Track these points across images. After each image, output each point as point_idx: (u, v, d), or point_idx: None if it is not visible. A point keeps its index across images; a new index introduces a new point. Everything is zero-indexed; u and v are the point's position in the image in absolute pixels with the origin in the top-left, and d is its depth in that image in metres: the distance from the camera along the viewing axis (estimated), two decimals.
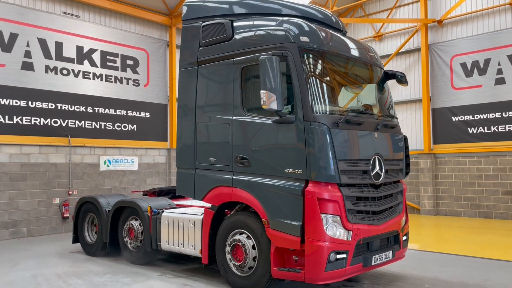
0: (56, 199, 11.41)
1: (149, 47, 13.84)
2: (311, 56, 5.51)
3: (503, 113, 13.52)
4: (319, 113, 5.30)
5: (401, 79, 6.65)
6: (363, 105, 6.21)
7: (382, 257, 5.72)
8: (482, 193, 13.77)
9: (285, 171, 5.39)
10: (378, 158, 5.77)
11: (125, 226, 7.69)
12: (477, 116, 14.05)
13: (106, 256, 8.24)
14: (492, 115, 13.74)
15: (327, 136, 5.18)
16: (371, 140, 5.78)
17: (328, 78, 5.76)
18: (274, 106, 5.13)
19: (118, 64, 13.04)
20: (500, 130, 13.55)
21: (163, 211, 7.16)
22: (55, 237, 10.82)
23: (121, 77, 13.08)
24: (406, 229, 6.43)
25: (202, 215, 6.41)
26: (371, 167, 5.65)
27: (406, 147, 6.56)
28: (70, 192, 11.61)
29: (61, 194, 11.51)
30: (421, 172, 14.88)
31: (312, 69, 5.53)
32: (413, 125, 15.58)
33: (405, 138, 6.59)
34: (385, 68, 16.23)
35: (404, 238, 6.33)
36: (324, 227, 5.12)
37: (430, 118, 14.96)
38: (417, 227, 12.38)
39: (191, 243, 6.52)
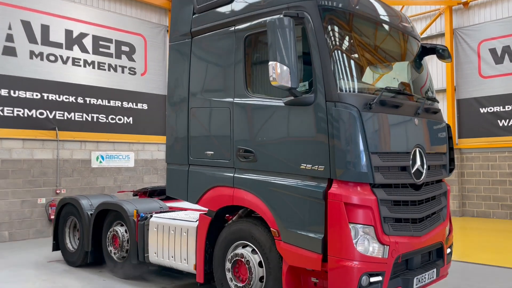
0: (41, 199, 10.26)
1: (146, 33, 12.64)
2: (334, 18, 4.25)
3: None
4: (346, 91, 4.05)
5: (443, 53, 5.37)
6: (399, 84, 4.94)
7: (425, 278, 4.46)
8: None
9: (301, 167, 4.15)
10: (419, 151, 4.52)
11: (108, 233, 6.51)
12: (508, 107, 12.66)
13: (89, 266, 7.07)
14: None
15: (357, 121, 3.94)
16: (410, 128, 4.53)
17: (356, 47, 4.50)
18: (286, 82, 3.89)
19: (112, 50, 11.86)
20: None
21: (151, 216, 5.96)
22: (39, 241, 9.66)
23: (116, 65, 11.90)
24: (451, 240, 5.18)
25: (197, 222, 5.21)
26: (411, 162, 4.39)
27: (450, 138, 5.30)
28: (58, 191, 10.47)
29: (48, 193, 10.37)
30: None
31: (336, 35, 4.27)
32: None
33: (448, 127, 5.33)
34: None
35: (448, 250, 5.08)
36: (354, 241, 3.89)
37: (455, 110, 13.59)
38: None
39: (183, 256, 5.32)
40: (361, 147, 3.93)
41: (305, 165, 4.12)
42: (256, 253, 4.54)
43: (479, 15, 13.48)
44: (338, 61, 4.09)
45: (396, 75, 4.94)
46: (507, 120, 12.65)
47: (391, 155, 4.22)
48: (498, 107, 12.85)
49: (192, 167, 5.23)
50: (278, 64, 3.88)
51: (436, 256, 4.87)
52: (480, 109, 13.18)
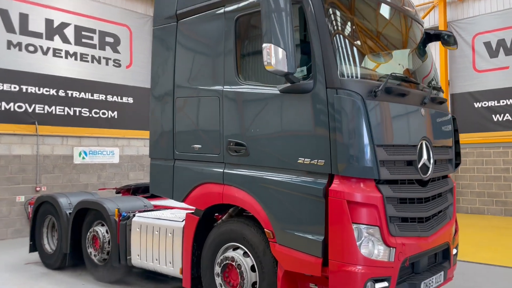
0: (20, 197, 9.72)
1: (132, 23, 12.11)
2: None
3: None
4: (349, 77, 3.66)
5: (448, 39, 5.03)
6: (404, 71, 4.56)
7: (432, 282, 4.10)
8: (509, 188, 12.17)
9: (299, 162, 3.76)
10: (425, 144, 4.15)
11: (88, 234, 6.05)
12: (503, 102, 12.41)
13: (68, 269, 6.61)
14: None
15: (362, 110, 3.55)
16: (417, 119, 4.16)
17: (359, 30, 4.10)
18: (282, 66, 3.48)
19: (96, 41, 11.32)
20: None
21: (134, 215, 5.52)
22: (18, 242, 9.12)
23: (99, 57, 11.36)
24: (457, 239, 4.84)
25: (184, 222, 4.78)
26: (417, 155, 4.02)
27: (456, 131, 4.96)
28: (38, 189, 9.93)
29: (27, 191, 9.83)
30: None
31: (337, 16, 3.88)
32: None
33: (454, 119, 4.98)
34: None
35: (454, 251, 4.73)
36: (357, 244, 3.50)
37: (448, 105, 13.32)
38: None
39: (169, 259, 4.89)
40: (366, 139, 3.55)
41: (303, 159, 3.72)
42: (248, 256, 4.14)
43: (474, 8, 13.20)
44: (339, 44, 3.70)
45: (401, 61, 4.56)
46: (502, 115, 12.40)
47: (397, 148, 3.84)
48: (493, 102, 12.59)
49: (178, 162, 4.80)
50: (273, 46, 3.47)
51: (442, 258, 4.52)
52: (475, 103, 12.92)
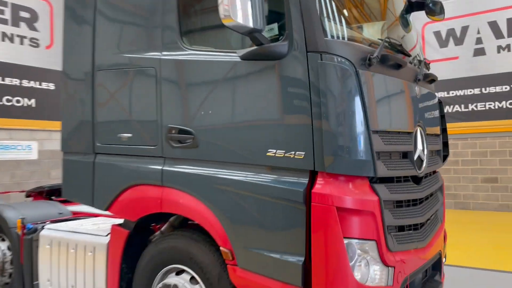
0: None
1: None
2: None
3: (483, 89, 11.77)
4: (337, 38, 2.69)
5: (434, 7, 4.23)
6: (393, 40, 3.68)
7: None
8: (459, 181, 12.02)
9: (268, 154, 2.73)
10: (420, 131, 3.30)
11: None
12: (452, 93, 12.22)
13: None
14: (470, 91, 11.95)
15: (355, 82, 2.59)
16: (412, 99, 3.29)
17: None
18: (245, 19, 2.45)
19: (7, 16, 9.66)
20: (479, 109, 11.80)
21: (43, 227, 4.24)
22: None
23: (12, 34, 9.70)
24: (446, 246, 4.08)
25: (109, 236, 3.61)
26: (413, 145, 3.16)
27: (443, 117, 4.20)
28: None
29: None
30: None
31: None
32: None
33: (440, 103, 4.22)
34: None
35: (444, 260, 3.97)
36: (350, 265, 2.56)
37: None
38: None
39: (89, 285, 3.69)
40: (360, 123, 2.60)
41: (275, 151, 2.70)
42: (197, 283, 3.06)
43: None
44: None
45: (388, 29, 3.67)
46: (451, 106, 12.20)
47: (393, 135, 2.94)
48: (442, 93, 12.35)
49: (100, 157, 3.60)
50: None
51: (432, 269, 3.72)
52: None
